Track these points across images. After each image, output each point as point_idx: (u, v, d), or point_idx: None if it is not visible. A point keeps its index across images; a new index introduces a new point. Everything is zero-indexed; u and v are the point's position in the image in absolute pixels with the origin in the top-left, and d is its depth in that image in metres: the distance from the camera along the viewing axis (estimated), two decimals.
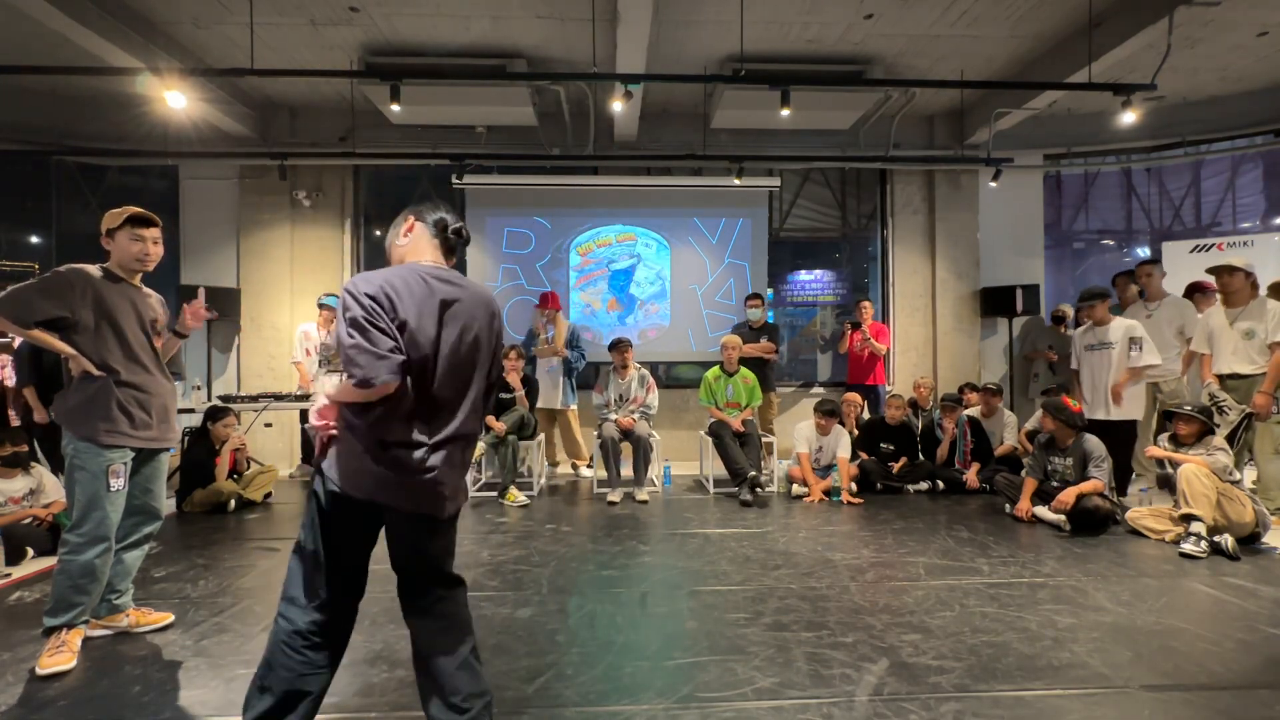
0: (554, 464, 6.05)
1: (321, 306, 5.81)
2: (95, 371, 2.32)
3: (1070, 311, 6.40)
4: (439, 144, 6.49)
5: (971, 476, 5.02)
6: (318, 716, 1.93)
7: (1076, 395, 4.72)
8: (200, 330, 6.38)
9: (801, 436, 5.08)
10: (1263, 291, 4.39)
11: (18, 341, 4.39)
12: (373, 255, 7.03)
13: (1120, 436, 4.35)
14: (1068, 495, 3.92)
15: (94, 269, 2.38)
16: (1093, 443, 4.07)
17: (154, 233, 2.47)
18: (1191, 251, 6.52)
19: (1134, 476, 4.75)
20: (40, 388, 4.28)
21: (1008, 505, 4.32)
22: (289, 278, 6.54)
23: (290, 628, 1.57)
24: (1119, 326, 4.45)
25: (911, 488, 5.14)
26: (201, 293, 2.78)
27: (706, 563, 3.36)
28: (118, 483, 2.33)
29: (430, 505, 1.62)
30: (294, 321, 6.45)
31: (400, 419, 1.57)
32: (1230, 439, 3.98)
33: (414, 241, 1.74)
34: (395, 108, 5.15)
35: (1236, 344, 4.15)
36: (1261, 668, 2.21)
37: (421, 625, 1.66)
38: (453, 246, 1.78)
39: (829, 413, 4.98)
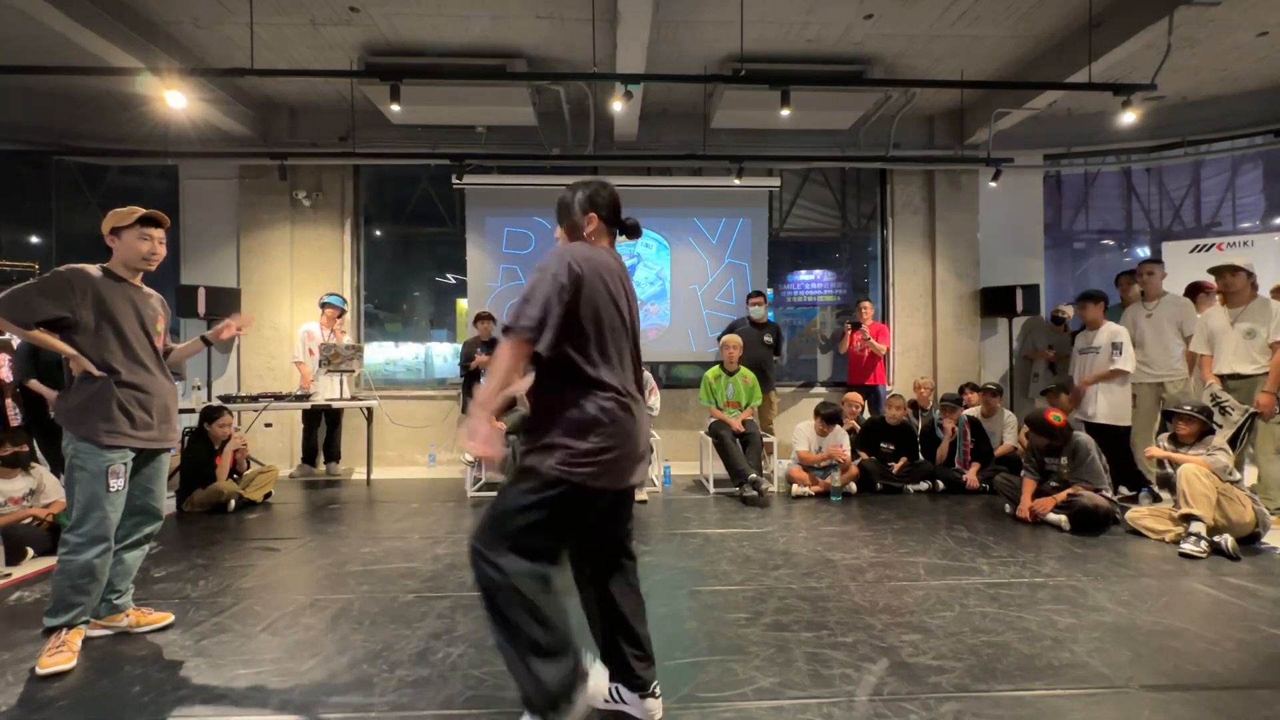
0: None
1: (324, 306, 5.82)
2: (96, 372, 2.32)
3: (1070, 312, 6.40)
4: (439, 144, 6.49)
5: (971, 476, 5.02)
6: (315, 716, 1.94)
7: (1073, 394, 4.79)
8: (200, 329, 6.38)
9: (801, 435, 5.08)
10: (1264, 293, 4.39)
11: (17, 340, 4.40)
12: (373, 255, 7.03)
13: (1110, 440, 4.36)
14: (1044, 503, 4.02)
15: (94, 269, 2.38)
16: (1081, 439, 4.09)
17: (161, 233, 2.49)
18: (1191, 251, 6.52)
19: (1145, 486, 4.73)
20: (42, 379, 4.30)
21: (1008, 505, 4.32)
22: (289, 278, 6.54)
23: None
24: (1105, 331, 4.60)
25: (911, 488, 5.14)
26: (239, 318, 2.82)
27: (706, 563, 3.36)
28: (117, 483, 2.33)
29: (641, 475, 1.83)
30: (294, 321, 6.45)
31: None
32: (1234, 439, 3.98)
33: (595, 237, 1.86)
34: (395, 108, 5.15)
35: (1237, 344, 4.15)
36: (1261, 668, 2.21)
37: (622, 593, 1.85)
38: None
39: (829, 418, 4.98)
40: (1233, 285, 4.19)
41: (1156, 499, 4.31)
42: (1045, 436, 4.12)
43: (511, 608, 1.60)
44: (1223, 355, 4.22)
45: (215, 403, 5.01)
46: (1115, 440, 4.50)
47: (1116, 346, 4.49)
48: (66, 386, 2.37)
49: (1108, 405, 4.56)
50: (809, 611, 2.69)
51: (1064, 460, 4.11)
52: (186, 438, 4.75)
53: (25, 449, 3.68)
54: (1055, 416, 4.10)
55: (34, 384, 4.25)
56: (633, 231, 1.89)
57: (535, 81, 5.57)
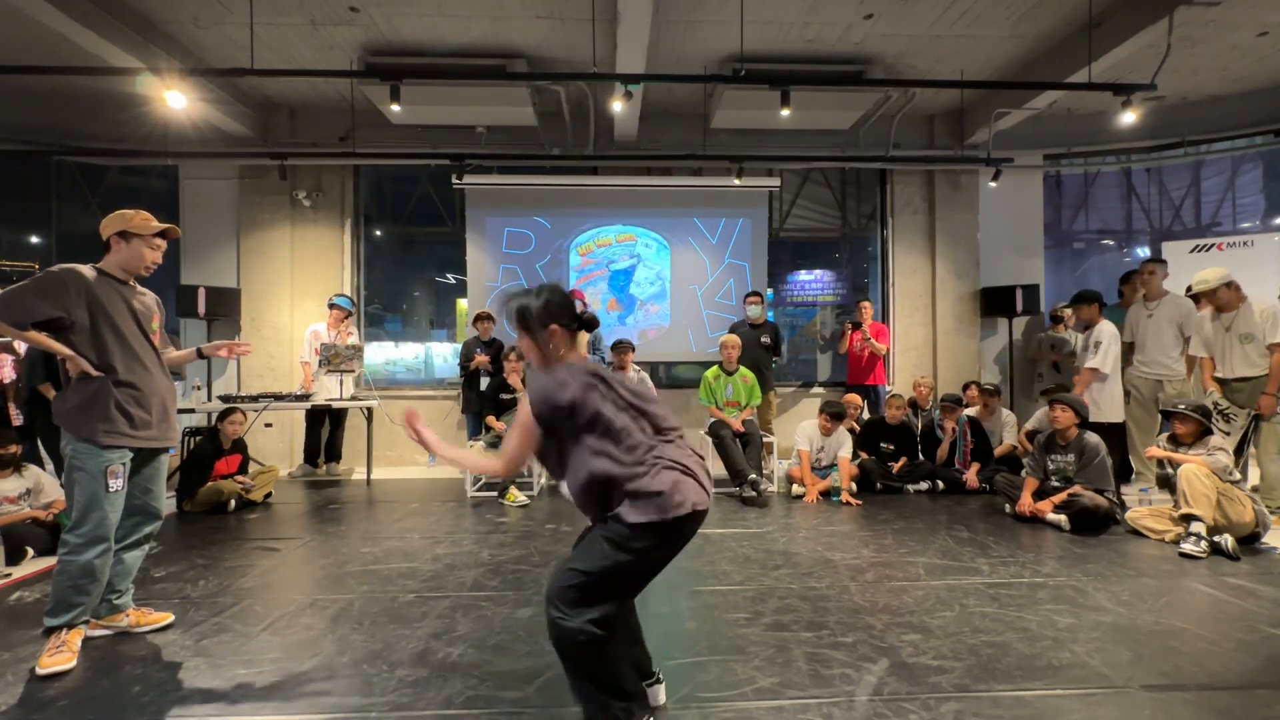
0: None
1: (332, 307, 5.83)
2: (93, 372, 2.31)
3: (1070, 313, 6.40)
4: (439, 144, 6.49)
5: (971, 476, 5.02)
6: (315, 716, 1.94)
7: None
8: (200, 329, 6.38)
9: (804, 435, 5.06)
10: (1268, 295, 4.41)
11: (22, 344, 4.39)
12: (372, 255, 7.03)
13: (1106, 436, 4.38)
14: (1044, 506, 4.02)
15: (87, 269, 2.36)
16: (1092, 439, 4.07)
17: (165, 244, 2.52)
18: (1191, 251, 6.51)
19: (1134, 476, 4.76)
20: (55, 384, 4.29)
21: (1008, 505, 4.32)
22: (289, 278, 6.54)
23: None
24: (1094, 330, 4.64)
25: (911, 488, 5.13)
26: (237, 345, 2.83)
27: (706, 563, 3.35)
28: (116, 483, 2.32)
29: None
30: (294, 321, 6.45)
31: None
32: (1240, 444, 3.99)
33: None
34: (395, 108, 5.15)
35: (1236, 349, 4.16)
36: (1261, 668, 2.21)
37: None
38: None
39: (835, 415, 4.97)
40: (1215, 302, 4.27)
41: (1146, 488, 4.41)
42: (1076, 412, 4.12)
43: None
44: (1223, 360, 4.24)
45: (217, 403, 5.01)
46: (1111, 436, 4.50)
47: (1096, 345, 4.52)
48: (64, 387, 2.37)
49: (1097, 403, 4.57)
50: (809, 611, 2.69)
51: (1070, 458, 4.11)
52: (188, 438, 4.75)
53: (16, 450, 3.67)
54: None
55: (46, 388, 4.24)
56: (589, 325, 1.88)
57: (535, 81, 5.56)
